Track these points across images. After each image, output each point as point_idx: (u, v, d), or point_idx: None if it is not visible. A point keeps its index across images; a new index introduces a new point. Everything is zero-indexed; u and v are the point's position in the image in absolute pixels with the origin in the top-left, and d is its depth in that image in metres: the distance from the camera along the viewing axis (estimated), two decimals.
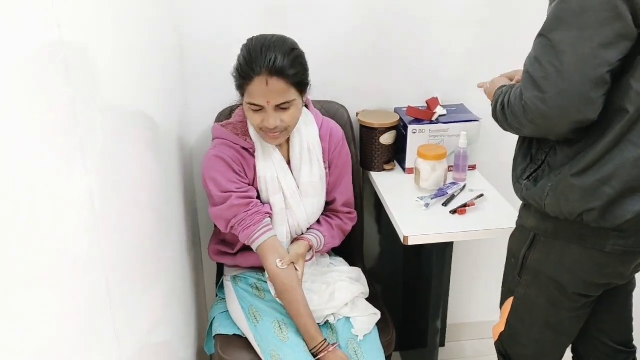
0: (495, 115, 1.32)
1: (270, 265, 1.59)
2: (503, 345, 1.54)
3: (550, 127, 1.17)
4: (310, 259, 1.71)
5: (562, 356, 1.53)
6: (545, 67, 1.13)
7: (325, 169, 1.73)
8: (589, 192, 1.20)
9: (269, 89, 1.48)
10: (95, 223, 0.86)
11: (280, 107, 1.51)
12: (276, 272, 1.58)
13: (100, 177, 0.89)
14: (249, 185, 1.64)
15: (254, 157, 1.64)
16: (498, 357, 1.58)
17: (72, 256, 0.78)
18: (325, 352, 1.53)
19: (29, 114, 0.68)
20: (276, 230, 1.65)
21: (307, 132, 1.68)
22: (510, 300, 1.47)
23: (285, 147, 1.69)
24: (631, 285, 1.51)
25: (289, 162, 1.68)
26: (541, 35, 1.16)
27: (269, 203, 1.66)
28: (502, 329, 1.52)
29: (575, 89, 1.11)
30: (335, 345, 1.56)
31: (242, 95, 1.54)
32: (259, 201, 1.64)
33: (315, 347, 1.55)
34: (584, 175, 1.20)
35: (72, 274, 0.78)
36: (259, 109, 1.52)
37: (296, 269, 1.62)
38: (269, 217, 1.64)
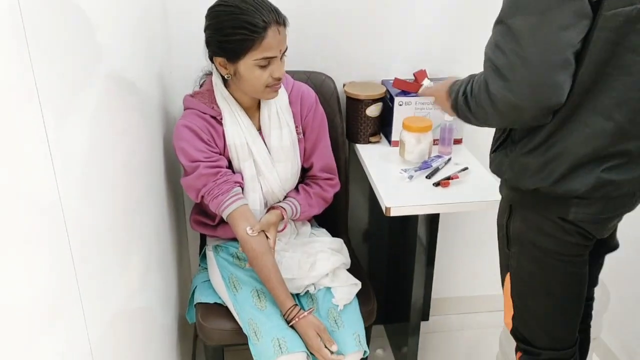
0: (456, 106, 1.27)
1: (240, 232, 1.59)
2: (519, 329, 1.46)
3: (520, 115, 1.15)
4: (284, 228, 1.71)
5: (577, 322, 1.43)
6: (508, 55, 1.10)
7: (299, 134, 1.72)
8: (539, 170, 1.21)
9: (281, 37, 1.51)
10: (55, 184, 0.84)
11: (282, 56, 1.55)
12: (246, 239, 1.58)
13: (62, 137, 0.87)
14: (219, 154, 1.63)
15: (222, 125, 1.63)
16: (518, 344, 1.49)
17: (29, 210, 0.77)
18: (297, 319, 1.54)
19: None
20: (248, 198, 1.65)
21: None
22: (508, 277, 1.43)
23: (255, 113, 1.68)
24: (614, 242, 1.47)
25: (259, 129, 1.68)
26: (500, 22, 1.13)
27: (240, 171, 1.65)
28: (511, 312, 1.45)
29: (540, 75, 1.09)
30: (310, 311, 1.57)
31: (244, 55, 1.49)
32: (228, 170, 1.63)
33: (285, 312, 1.56)
34: (534, 153, 1.21)
35: (30, 234, 0.77)
36: (266, 63, 1.51)
37: (267, 237, 1.61)
38: (239, 186, 1.63)
